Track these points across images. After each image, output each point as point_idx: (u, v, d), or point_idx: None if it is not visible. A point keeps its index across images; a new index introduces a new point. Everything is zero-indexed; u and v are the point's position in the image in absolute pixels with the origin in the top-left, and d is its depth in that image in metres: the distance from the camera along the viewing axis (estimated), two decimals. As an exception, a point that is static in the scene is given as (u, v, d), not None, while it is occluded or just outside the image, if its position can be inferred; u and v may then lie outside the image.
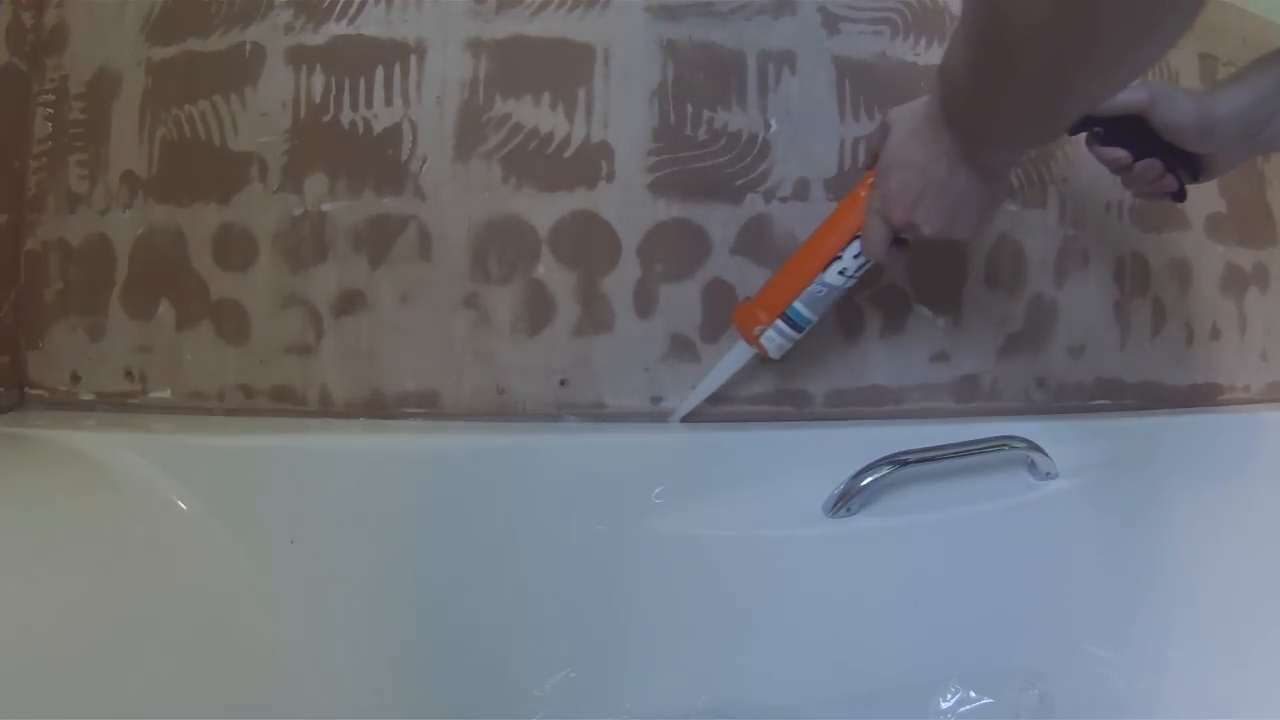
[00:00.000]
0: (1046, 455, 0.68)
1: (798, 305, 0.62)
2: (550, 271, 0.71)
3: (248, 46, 0.71)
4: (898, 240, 0.57)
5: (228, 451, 0.62)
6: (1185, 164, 0.59)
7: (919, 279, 0.75)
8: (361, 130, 0.70)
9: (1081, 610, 0.68)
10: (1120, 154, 0.58)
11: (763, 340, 0.64)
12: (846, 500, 0.64)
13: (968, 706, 0.65)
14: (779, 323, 0.63)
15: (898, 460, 0.64)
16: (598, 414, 0.72)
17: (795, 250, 0.65)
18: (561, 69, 0.71)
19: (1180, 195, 0.61)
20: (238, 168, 0.71)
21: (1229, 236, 0.84)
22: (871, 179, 0.57)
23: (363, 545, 0.61)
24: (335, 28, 0.70)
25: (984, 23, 0.39)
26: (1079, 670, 0.66)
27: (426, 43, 0.70)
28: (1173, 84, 0.80)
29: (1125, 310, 0.81)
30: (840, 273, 0.61)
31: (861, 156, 0.73)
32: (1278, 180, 0.86)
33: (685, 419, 0.71)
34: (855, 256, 0.60)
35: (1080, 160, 0.78)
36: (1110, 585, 0.68)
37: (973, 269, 0.76)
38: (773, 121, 0.73)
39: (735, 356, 0.68)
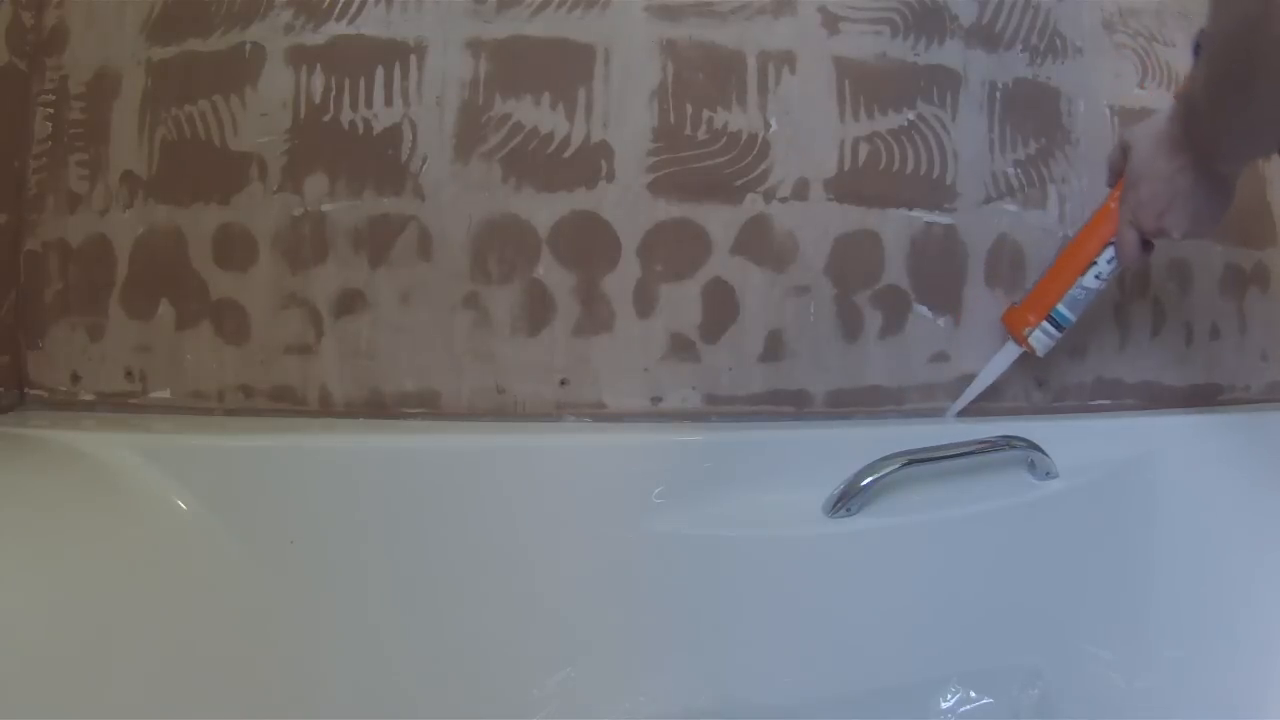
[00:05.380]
0: (1046, 455, 0.68)
1: (1060, 307, 0.69)
2: (550, 271, 0.71)
3: (248, 46, 0.71)
4: (1144, 243, 0.64)
5: (228, 451, 0.62)
6: None
7: (919, 279, 0.75)
8: (361, 130, 0.70)
9: (1081, 610, 0.68)
10: None
11: (1031, 340, 0.70)
12: (846, 500, 0.64)
13: (968, 706, 0.65)
14: (1045, 324, 0.70)
15: (899, 460, 0.64)
16: (598, 414, 0.72)
17: (1053, 260, 0.71)
18: (561, 69, 0.71)
19: None
20: (238, 168, 0.71)
21: (1229, 236, 0.84)
22: (1119, 193, 0.64)
23: (362, 545, 0.61)
24: (335, 28, 0.70)
25: (1229, 50, 0.46)
26: (1079, 670, 0.66)
27: (426, 43, 0.70)
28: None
29: (1125, 310, 0.81)
30: (1096, 276, 0.68)
31: (862, 157, 0.74)
32: (1278, 180, 0.86)
33: (960, 414, 0.76)
34: (1108, 261, 0.67)
35: (1080, 161, 0.79)
36: (1110, 585, 0.68)
37: (973, 269, 0.76)
38: (773, 121, 0.73)
39: (1005, 355, 0.73)
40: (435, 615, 0.61)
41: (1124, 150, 0.63)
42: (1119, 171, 0.65)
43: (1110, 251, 0.66)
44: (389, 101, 0.70)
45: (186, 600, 0.54)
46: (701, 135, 0.72)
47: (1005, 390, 0.78)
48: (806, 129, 0.73)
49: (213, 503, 0.59)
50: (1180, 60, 0.82)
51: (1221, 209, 0.60)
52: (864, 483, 0.64)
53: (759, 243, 0.73)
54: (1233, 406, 0.84)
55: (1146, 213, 0.61)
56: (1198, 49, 0.59)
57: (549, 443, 0.67)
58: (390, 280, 0.71)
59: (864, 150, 0.74)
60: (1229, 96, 0.49)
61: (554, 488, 0.64)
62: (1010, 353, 0.73)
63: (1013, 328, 0.72)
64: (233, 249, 0.71)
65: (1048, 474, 0.69)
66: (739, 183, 0.72)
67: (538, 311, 0.71)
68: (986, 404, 0.77)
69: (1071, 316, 0.69)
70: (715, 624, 0.64)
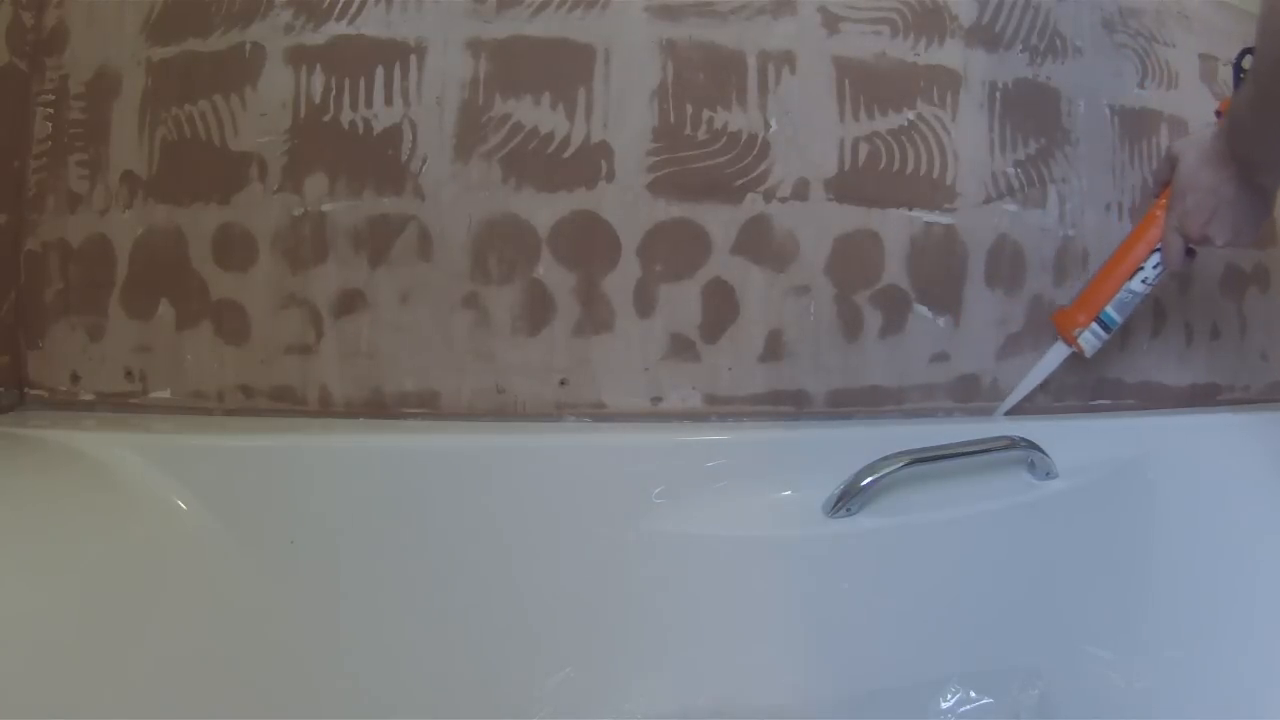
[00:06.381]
0: (1046, 455, 0.68)
1: (1109, 309, 0.71)
2: (550, 271, 0.71)
3: (248, 46, 0.71)
4: (1189, 250, 0.67)
5: (228, 451, 0.62)
6: None
7: (919, 279, 0.75)
8: (361, 130, 0.70)
9: (1081, 610, 0.67)
10: None
11: (1080, 340, 0.73)
12: (846, 500, 0.64)
13: (968, 706, 0.65)
14: (1094, 325, 0.72)
15: (900, 460, 0.64)
16: (598, 414, 0.72)
17: (1100, 266, 0.73)
18: (561, 69, 0.71)
19: None
20: (238, 168, 0.71)
21: (1229, 236, 0.84)
22: (1165, 201, 0.68)
23: (363, 545, 0.61)
24: (335, 28, 0.70)
25: (1273, 76, 0.51)
26: (1079, 670, 0.66)
27: (426, 43, 0.70)
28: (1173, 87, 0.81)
29: (1125, 310, 0.81)
30: (1143, 281, 0.70)
31: (862, 157, 0.74)
32: (1278, 180, 0.86)
33: (1009, 413, 0.77)
34: (1154, 267, 0.70)
35: (1080, 161, 0.79)
36: (1110, 585, 0.68)
37: (973, 269, 0.76)
38: (773, 121, 0.73)
39: (1054, 355, 0.75)
40: (435, 615, 0.61)
41: (1171, 162, 0.67)
42: (1164, 181, 0.68)
43: (1156, 257, 0.69)
44: (389, 101, 0.70)
45: (186, 600, 0.54)
46: (701, 135, 0.72)
47: (1004, 390, 0.78)
48: (806, 129, 0.73)
49: (213, 503, 0.58)
50: (1179, 60, 0.82)
51: (1262, 219, 0.64)
52: (864, 483, 0.64)
53: (759, 243, 0.73)
54: (1232, 406, 0.84)
55: (1192, 221, 0.64)
56: (1238, 69, 0.64)
57: (549, 443, 0.67)
58: (390, 280, 0.71)
59: (864, 150, 0.74)
60: (1272, 117, 0.54)
61: (554, 488, 0.64)
62: (1060, 353, 0.75)
63: (1062, 329, 0.73)
64: (233, 249, 0.71)
65: (1048, 474, 0.69)
66: (739, 183, 0.72)
67: (538, 311, 0.71)
68: (987, 404, 0.77)
69: (1119, 318, 0.71)
70: (715, 624, 0.64)
